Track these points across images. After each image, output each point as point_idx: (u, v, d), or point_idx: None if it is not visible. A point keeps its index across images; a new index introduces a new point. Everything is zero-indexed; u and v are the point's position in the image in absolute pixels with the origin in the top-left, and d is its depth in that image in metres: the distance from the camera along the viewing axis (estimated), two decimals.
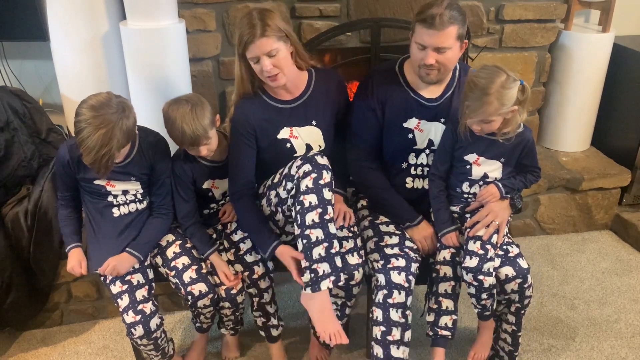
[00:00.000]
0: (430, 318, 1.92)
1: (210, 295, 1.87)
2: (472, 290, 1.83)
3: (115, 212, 1.89)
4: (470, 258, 1.81)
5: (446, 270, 1.89)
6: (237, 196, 1.91)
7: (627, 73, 2.90)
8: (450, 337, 1.91)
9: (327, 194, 1.69)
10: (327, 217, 1.68)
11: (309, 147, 1.93)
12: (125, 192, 1.89)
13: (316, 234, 1.67)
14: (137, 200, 1.91)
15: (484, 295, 1.84)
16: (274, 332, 2.07)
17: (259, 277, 1.94)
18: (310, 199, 1.67)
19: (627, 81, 2.91)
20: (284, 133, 1.91)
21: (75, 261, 1.90)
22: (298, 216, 1.69)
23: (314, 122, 1.93)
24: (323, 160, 1.73)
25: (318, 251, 1.66)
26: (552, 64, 2.89)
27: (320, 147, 1.95)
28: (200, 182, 1.96)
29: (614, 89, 2.95)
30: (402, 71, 1.96)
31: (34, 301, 2.24)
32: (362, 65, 2.55)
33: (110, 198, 1.88)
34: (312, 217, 1.67)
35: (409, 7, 2.55)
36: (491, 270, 1.80)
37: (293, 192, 1.73)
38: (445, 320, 1.89)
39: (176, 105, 1.83)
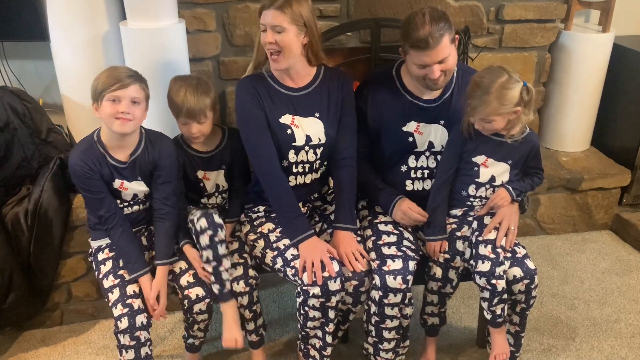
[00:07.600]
0: (420, 306, 2.06)
1: (207, 300, 1.85)
2: (486, 294, 1.82)
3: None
4: (483, 262, 1.80)
5: (436, 270, 1.92)
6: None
7: (627, 73, 2.90)
8: (439, 325, 2.06)
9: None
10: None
11: (308, 139, 1.90)
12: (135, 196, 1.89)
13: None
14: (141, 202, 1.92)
15: (495, 300, 1.82)
16: (248, 337, 2.02)
17: (235, 279, 1.90)
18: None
19: (627, 81, 2.91)
20: (285, 119, 1.89)
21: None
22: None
23: (317, 115, 1.91)
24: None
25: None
26: (552, 64, 2.89)
27: (320, 140, 1.92)
28: (191, 173, 1.95)
29: (614, 89, 2.95)
30: (399, 75, 1.96)
31: (34, 301, 2.24)
32: (362, 65, 2.55)
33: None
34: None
35: (409, 7, 2.56)
36: (502, 273, 1.80)
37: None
38: (431, 308, 2.02)
39: (185, 77, 1.94)
